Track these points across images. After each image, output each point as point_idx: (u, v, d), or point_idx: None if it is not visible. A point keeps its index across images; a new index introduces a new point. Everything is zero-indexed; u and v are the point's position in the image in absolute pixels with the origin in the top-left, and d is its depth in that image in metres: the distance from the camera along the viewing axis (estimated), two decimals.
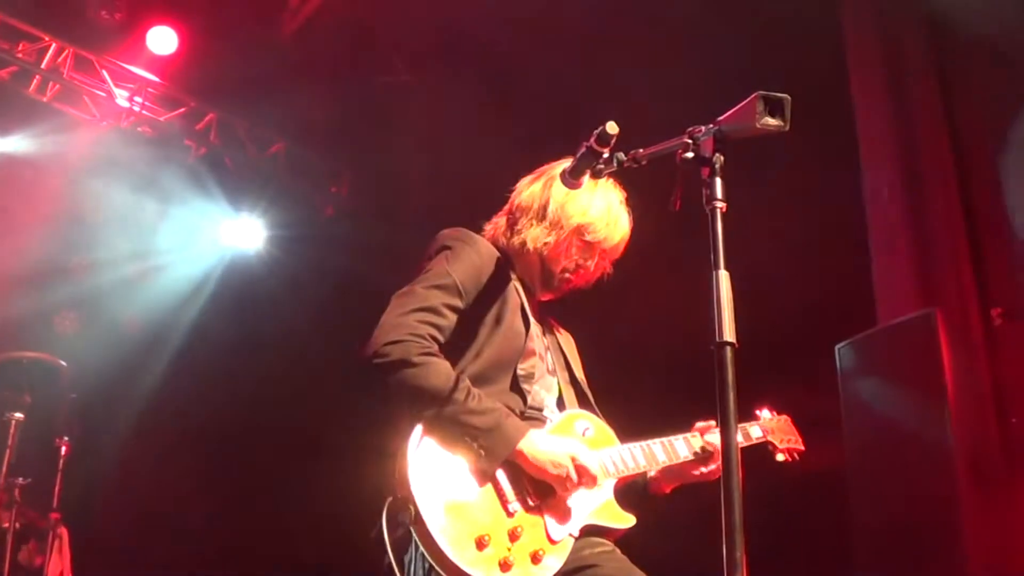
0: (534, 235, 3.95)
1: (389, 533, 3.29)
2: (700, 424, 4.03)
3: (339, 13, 9.78)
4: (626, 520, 3.76)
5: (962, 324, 6.12)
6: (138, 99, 10.32)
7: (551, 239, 3.94)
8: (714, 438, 3.94)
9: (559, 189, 3.89)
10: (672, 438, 3.98)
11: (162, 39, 9.99)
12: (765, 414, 4.54)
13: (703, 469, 3.97)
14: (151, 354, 10.30)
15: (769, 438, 4.40)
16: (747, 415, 4.37)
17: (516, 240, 3.99)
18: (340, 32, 9.93)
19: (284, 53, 10.00)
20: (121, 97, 10.25)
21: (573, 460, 3.53)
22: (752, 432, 4.34)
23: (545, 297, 4.11)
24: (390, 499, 3.34)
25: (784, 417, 4.59)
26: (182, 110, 10.59)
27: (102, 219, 10.05)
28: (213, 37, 10.00)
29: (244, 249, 11.24)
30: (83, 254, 10.33)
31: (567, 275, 4.01)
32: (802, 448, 4.53)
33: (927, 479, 5.35)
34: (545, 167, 4.10)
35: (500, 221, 4.11)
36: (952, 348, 5.43)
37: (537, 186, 4.03)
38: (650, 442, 3.92)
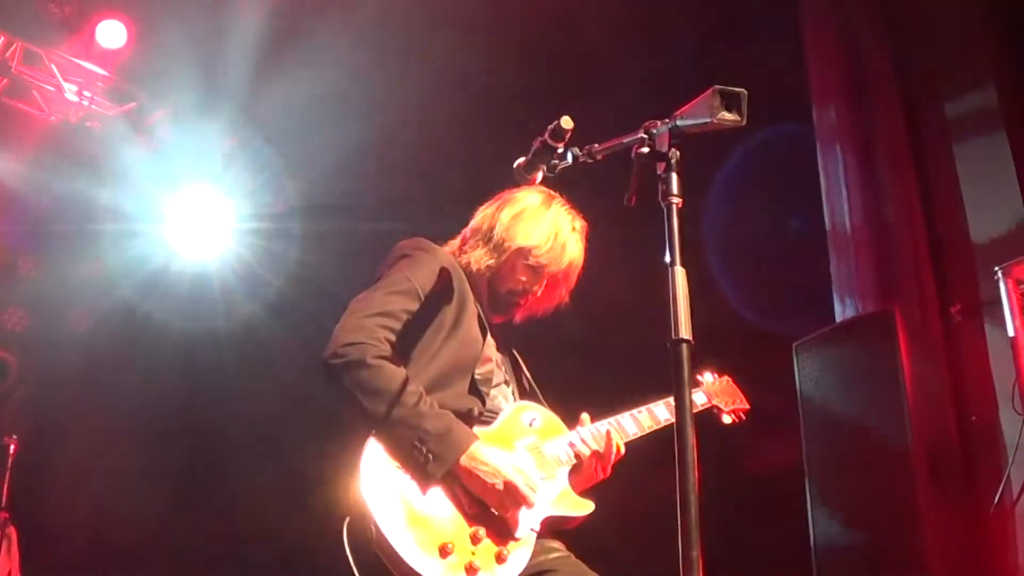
0: (478, 256, 3.99)
1: (355, 557, 3.26)
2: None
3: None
4: (584, 507, 3.75)
5: (921, 321, 6.14)
6: (87, 93, 10.18)
7: (493, 261, 3.97)
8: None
9: (508, 212, 3.99)
10: (619, 417, 3.97)
11: (112, 33, 9.85)
12: (707, 377, 4.56)
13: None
14: (101, 351, 10.16)
15: (714, 402, 4.44)
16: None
17: (463, 260, 4.00)
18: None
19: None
20: (70, 92, 10.10)
21: (507, 484, 3.41)
22: (696, 399, 4.35)
23: (496, 319, 4.09)
24: (348, 520, 3.30)
25: (726, 378, 4.61)
26: (132, 104, 10.45)
27: (51, 215, 9.92)
28: (163, 31, 9.90)
29: (196, 244, 11.11)
30: (31, 251, 10.23)
31: (514, 298, 4.02)
32: (747, 407, 4.53)
33: (885, 477, 5.37)
34: (504, 192, 4.12)
35: (454, 243, 4.14)
36: (910, 345, 5.45)
37: (490, 209, 4.09)
38: (598, 424, 3.91)
